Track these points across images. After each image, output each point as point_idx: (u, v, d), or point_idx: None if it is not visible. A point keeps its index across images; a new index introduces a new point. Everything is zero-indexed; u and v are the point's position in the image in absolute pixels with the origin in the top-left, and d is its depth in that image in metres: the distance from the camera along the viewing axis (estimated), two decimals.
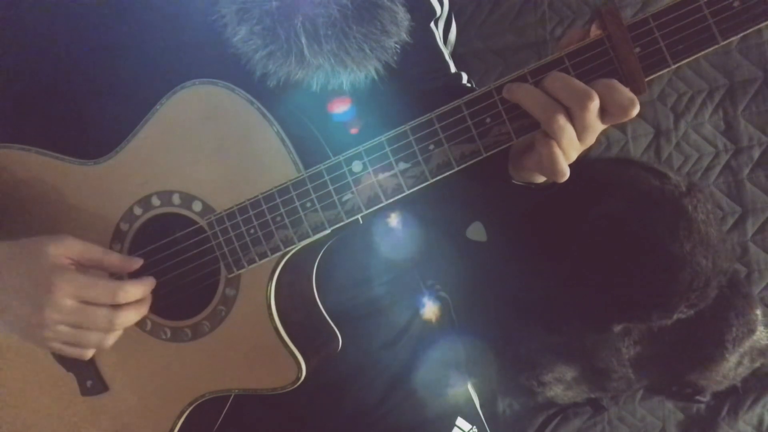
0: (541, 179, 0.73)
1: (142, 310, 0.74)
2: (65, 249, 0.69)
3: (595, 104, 0.61)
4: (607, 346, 1.13)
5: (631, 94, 0.61)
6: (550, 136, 0.63)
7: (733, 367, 1.14)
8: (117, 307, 0.71)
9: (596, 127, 0.64)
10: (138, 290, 0.72)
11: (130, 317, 0.72)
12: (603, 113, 0.62)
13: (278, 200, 0.71)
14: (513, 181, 0.75)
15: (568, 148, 0.64)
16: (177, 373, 0.79)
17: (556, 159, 0.63)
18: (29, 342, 0.73)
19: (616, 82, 0.61)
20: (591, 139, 0.65)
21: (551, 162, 0.64)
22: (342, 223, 0.71)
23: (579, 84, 0.61)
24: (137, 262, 0.76)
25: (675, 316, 1.07)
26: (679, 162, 1.26)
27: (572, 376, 1.17)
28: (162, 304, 0.76)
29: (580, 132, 0.63)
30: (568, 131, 0.62)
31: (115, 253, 0.75)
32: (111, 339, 0.72)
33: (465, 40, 1.28)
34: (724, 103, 1.24)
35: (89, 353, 0.74)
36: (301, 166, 0.70)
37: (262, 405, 0.85)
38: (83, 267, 0.71)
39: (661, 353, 1.15)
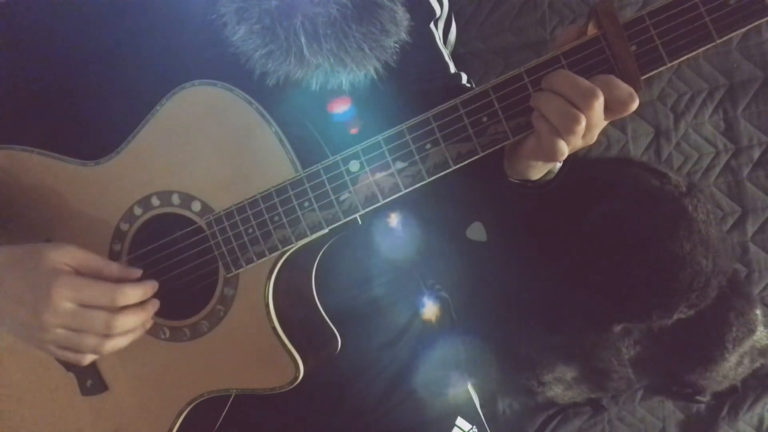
0: (536, 175, 0.74)
1: (144, 315, 0.74)
2: (66, 256, 0.69)
3: (600, 102, 0.61)
4: (607, 346, 1.12)
5: (629, 88, 0.61)
6: (561, 136, 0.63)
7: (733, 367, 1.14)
8: (116, 310, 0.71)
9: (601, 124, 0.64)
10: (137, 293, 0.72)
11: (129, 321, 0.72)
12: (604, 109, 0.62)
13: (276, 200, 0.71)
14: (509, 179, 0.76)
15: (574, 144, 0.65)
16: (176, 373, 0.79)
17: (560, 148, 0.64)
18: (29, 345, 0.73)
19: (613, 78, 0.61)
20: (593, 136, 0.66)
21: (553, 151, 0.64)
22: (339, 223, 0.71)
23: (585, 83, 0.61)
24: (136, 273, 0.75)
25: (675, 316, 1.07)
26: (679, 162, 1.25)
27: (572, 376, 1.17)
28: (161, 304, 0.76)
29: (587, 130, 0.63)
30: (578, 133, 0.63)
31: (115, 264, 0.74)
32: (110, 345, 0.72)
33: (465, 40, 1.28)
34: (724, 103, 1.23)
35: (87, 359, 0.73)
36: (299, 165, 0.70)
37: (262, 405, 0.85)
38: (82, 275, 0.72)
39: (662, 353, 1.14)
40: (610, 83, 0.61)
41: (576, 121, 0.61)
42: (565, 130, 0.62)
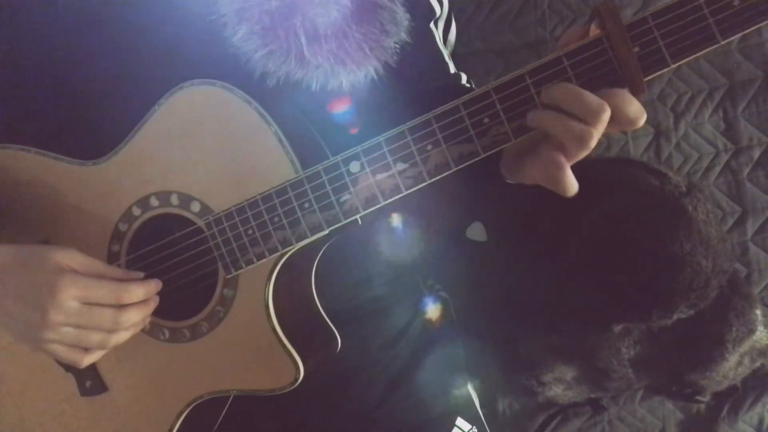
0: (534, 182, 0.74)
1: (146, 311, 0.74)
2: (68, 258, 0.69)
3: (607, 116, 0.60)
4: (607, 346, 1.12)
5: (639, 106, 0.60)
6: (568, 153, 0.63)
7: (733, 367, 1.14)
8: (121, 307, 0.71)
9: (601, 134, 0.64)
10: (141, 291, 0.73)
11: (134, 317, 0.72)
12: (610, 122, 0.62)
13: (276, 201, 0.71)
14: (506, 181, 0.76)
15: (579, 158, 0.65)
16: (175, 374, 0.79)
17: (568, 180, 0.64)
18: (28, 346, 0.73)
19: (626, 93, 0.61)
20: (592, 146, 0.66)
21: (563, 183, 0.64)
22: (340, 224, 0.70)
23: (592, 98, 0.60)
24: (137, 276, 0.75)
25: (675, 316, 1.07)
26: (679, 162, 1.26)
27: (572, 376, 1.17)
28: (160, 305, 0.76)
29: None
30: (587, 150, 0.63)
31: (117, 269, 0.74)
32: (113, 340, 0.72)
33: (465, 40, 1.28)
34: (724, 103, 1.23)
35: (87, 359, 0.73)
36: (299, 166, 0.70)
37: (261, 406, 0.85)
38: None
39: (662, 353, 1.14)
40: (623, 99, 0.60)
41: (587, 143, 0.61)
42: (577, 151, 0.62)
